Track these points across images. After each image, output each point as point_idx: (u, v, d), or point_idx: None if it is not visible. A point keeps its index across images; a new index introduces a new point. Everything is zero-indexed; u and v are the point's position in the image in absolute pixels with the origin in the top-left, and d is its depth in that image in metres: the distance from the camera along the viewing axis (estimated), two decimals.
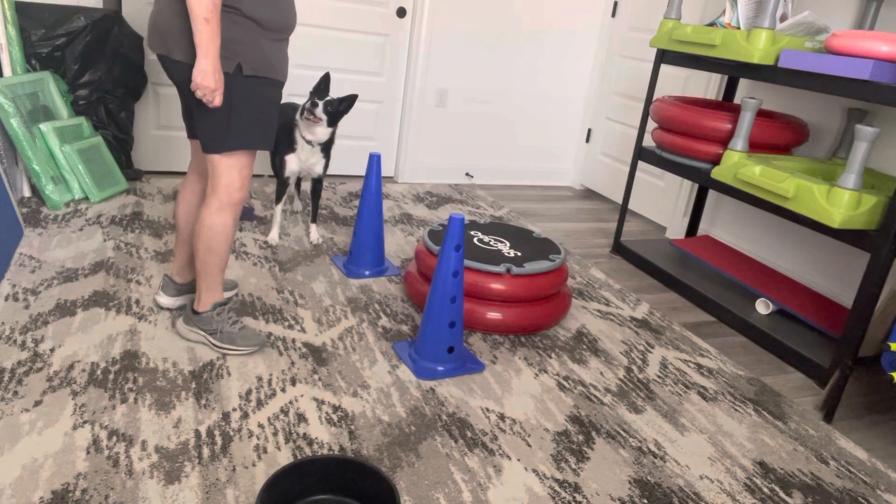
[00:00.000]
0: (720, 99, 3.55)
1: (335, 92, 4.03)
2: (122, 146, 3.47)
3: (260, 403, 1.86)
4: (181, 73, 1.85)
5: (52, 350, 1.97)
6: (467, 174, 4.48)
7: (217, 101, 1.79)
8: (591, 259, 3.38)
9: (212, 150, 1.91)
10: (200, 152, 2.14)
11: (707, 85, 3.69)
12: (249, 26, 1.80)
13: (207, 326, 2.08)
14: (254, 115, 1.91)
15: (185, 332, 2.11)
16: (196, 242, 2.02)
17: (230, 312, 2.10)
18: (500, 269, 2.35)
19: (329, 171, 4.22)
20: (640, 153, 3.25)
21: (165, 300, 2.29)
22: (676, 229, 3.88)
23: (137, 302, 2.31)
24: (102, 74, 3.29)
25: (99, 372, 1.90)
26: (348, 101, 2.79)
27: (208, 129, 1.89)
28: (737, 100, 3.46)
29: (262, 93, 1.91)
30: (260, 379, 1.97)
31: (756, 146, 2.80)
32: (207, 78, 1.74)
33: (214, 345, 2.07)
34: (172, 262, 2.32)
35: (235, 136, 1.90)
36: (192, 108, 1.89)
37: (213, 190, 1.96)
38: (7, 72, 2.98)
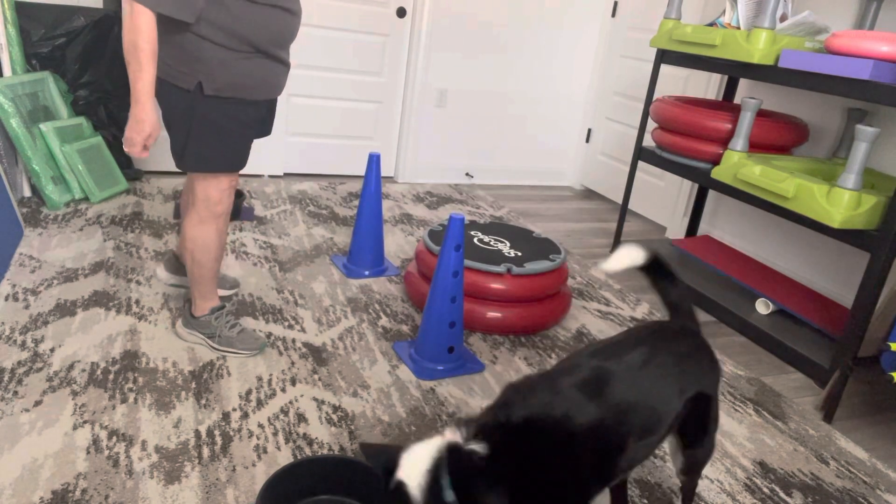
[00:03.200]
0: (720, 99, 3.55)
1: (333, 92, 4.02)
2: (122, 146, 3.47)
3: (260, 403, 1.86)
4: None
5: (52, 350, 1.97)
6: (467, 174, 4.48)
7: (135, 152, 1.72)
8: (591, 259, 3.38)
9: (176, 163, 1.86)
10: None
11: (707, 85, 3.69)
12: (210, 45, 1.70)
13: (206, 330, 2.07)
14: (215, 137, 1.81)
15: (185, 336, 2.11)
16: (183, 253, 2.01)
17: (228, 316, 2.10)
18: (501, 268, 2.35)
19: (329, 171, 4.22)
20: (640, 153, 3.25)
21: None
22: (676, 229, 3.88)
23: (137, 302, 2.31)
24: (102, 74, 3.29)
25: (99, 372, 1.90)
26: None
27: (172, 142, 1.84)
28: (737, 100, 3.45)
29: (229, 114, 1.80)
30: (260, 379, 1.97)
31: (756, 146, 2.80)
32: (130, 126, 1.69)
33: (213, 347, 2.08)
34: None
35: (192, 157, 1.82)
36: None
37: (192, 203, 1.93)
38: (7, 72, 2.98)
